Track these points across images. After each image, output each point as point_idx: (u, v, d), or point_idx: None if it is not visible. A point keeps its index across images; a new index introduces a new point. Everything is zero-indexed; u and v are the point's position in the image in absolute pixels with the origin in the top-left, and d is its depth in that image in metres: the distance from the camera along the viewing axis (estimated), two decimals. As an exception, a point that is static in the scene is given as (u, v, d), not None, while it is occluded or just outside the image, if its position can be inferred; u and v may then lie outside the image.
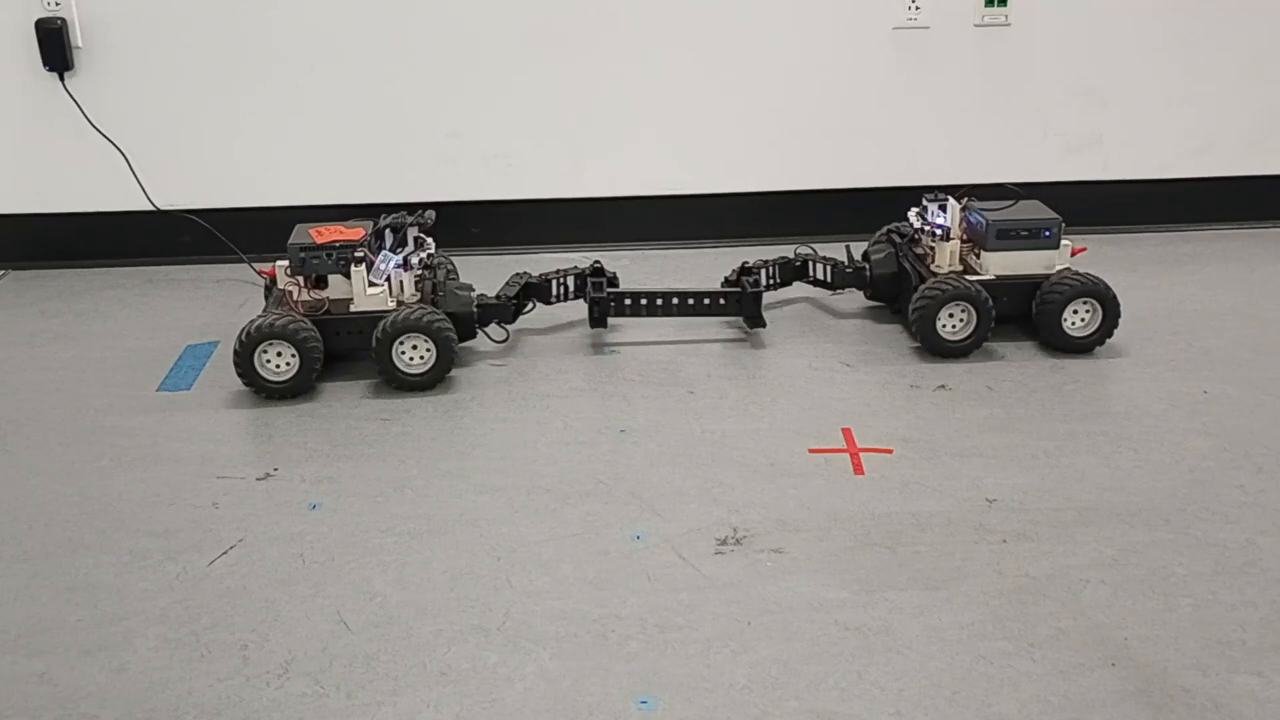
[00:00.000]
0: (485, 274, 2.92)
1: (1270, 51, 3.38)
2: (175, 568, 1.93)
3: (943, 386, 2.51)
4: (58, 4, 3.15)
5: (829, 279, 2.90)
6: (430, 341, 2.51)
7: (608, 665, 1.68)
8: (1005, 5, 3.29)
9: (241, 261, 3.21)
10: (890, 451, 2.25)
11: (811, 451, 2.26)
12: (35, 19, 3.14)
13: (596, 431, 2.35)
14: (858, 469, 2.19)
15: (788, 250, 2.97)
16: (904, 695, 1.61)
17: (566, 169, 3.39)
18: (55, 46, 3.16)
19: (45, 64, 3.18)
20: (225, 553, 1.97)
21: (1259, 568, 1.87)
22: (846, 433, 2.32)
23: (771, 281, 2.90)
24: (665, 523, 2.02)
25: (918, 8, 3.28)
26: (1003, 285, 2.66)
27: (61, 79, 3.21)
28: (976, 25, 3.31)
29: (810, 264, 2.93)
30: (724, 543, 1.96)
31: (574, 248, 3.40)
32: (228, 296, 3.10)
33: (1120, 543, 1.94)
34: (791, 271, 2.93)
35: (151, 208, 3.27)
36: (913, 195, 3.44)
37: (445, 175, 3.37)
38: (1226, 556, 1.90)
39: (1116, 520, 2.00)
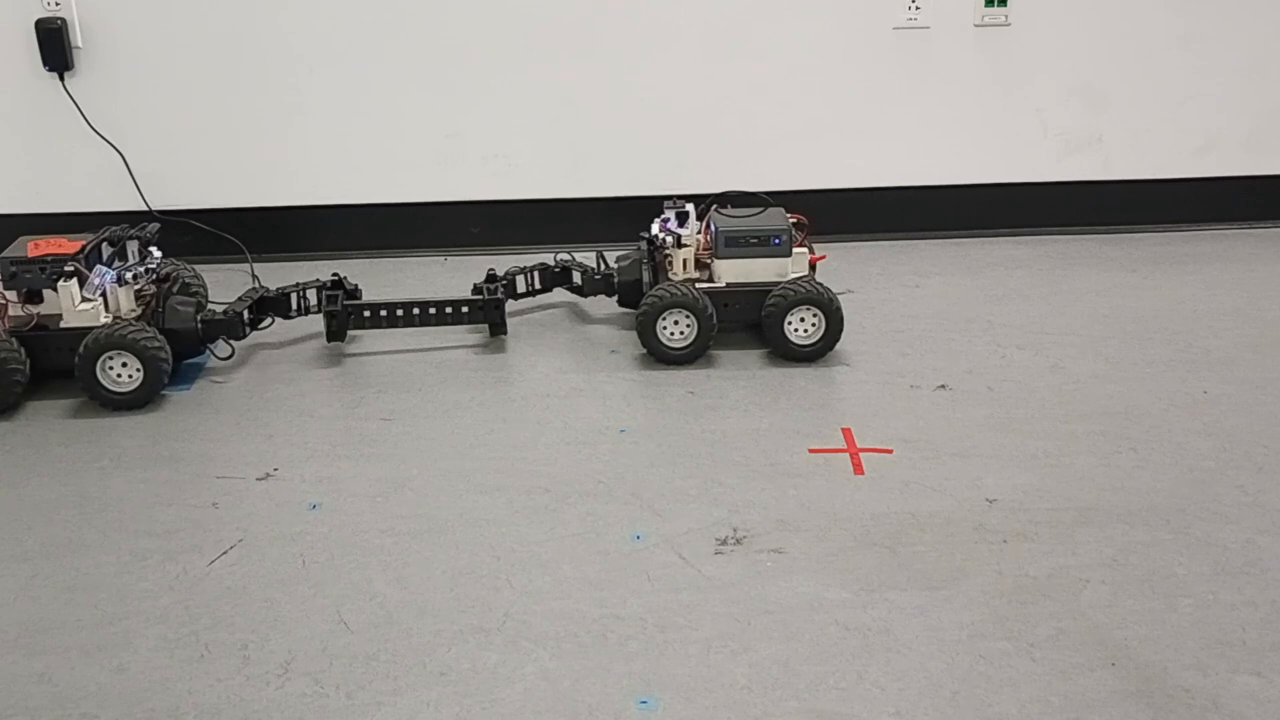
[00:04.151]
0: (483, 274, 2.91)
1: (1270, 51, 3.38)
2: (175, 568, 1.93)
3: (943, 386, 2.51)
4: (58, 4, 3.15)
5: (582, 285, 2.91)
6: (137, 359, 2.43)
7: (608, 665, 1.68)
8: (1005, 5, 3.28)
9: (243, 261, 3.20)
10: (890, 451, 2.25)
11: (811, 451, 2.26)
12: (35, 19, 3.15)
13: (596, 431, 2.35)
14: (858, 469, 2.19)
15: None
16: (904, 695, 1.61)
17: (566, 169, 3.39)
18: (55, 46, 3.16)
19: (45, 64, 3.18)
20: (225, 553, 1.97)
21: (1259, 568, 1.87)
22: (846, 433, 2.32)
23: (531, 287, 2.92)
24: (665, 523, 2.02)
25: (918, 8, 3.28)
26: (733, 293, 2.64)
27: (61, 79, 3.21)
28: (976, 25, 3.31)
29: (569, 270, 2.94)
30: (724, 543, 1.96)
31: (574, 248, 3.39)
32: (226, 297, 3.10)
33: (1120, 543, 1.94)
34: (552, 277, 2.94)
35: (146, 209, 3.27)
36: (913, 195, 3.44)
37: (445, 175, 3.37)
38: (1226, 556, 1.90)
39: (1116, 520, 2.00)
